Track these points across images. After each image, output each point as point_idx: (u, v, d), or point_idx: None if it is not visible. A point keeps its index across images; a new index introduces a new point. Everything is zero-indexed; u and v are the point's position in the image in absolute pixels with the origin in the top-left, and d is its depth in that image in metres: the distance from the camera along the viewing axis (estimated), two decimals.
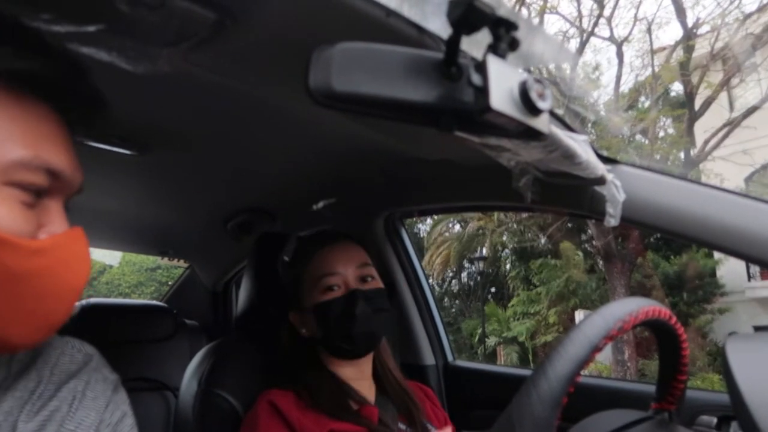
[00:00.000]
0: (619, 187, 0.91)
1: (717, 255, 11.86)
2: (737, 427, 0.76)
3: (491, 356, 14.13)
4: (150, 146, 1.16)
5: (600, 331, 0.64)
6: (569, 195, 1.01)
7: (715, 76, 10.67)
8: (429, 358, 1.51)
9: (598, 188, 0.96)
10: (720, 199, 0.85)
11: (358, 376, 1.09)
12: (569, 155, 0.83)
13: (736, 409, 0.56)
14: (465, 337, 15.02)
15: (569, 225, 12.99)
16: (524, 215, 13.48)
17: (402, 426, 1.06)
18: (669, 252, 12.92)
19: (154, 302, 2.40)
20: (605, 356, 11.20)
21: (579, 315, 11.78)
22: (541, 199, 1.00)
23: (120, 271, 18.30)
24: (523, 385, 0.62)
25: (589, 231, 12.39)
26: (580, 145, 0.83)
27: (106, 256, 2.33)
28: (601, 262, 12.49)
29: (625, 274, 10.95)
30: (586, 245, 13.87)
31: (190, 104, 0.95)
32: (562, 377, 0.60)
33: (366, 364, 1.11)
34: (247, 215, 1.66)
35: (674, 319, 0.73)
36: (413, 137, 1.07)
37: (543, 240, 14.19)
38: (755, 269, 11.46)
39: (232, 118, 1.02)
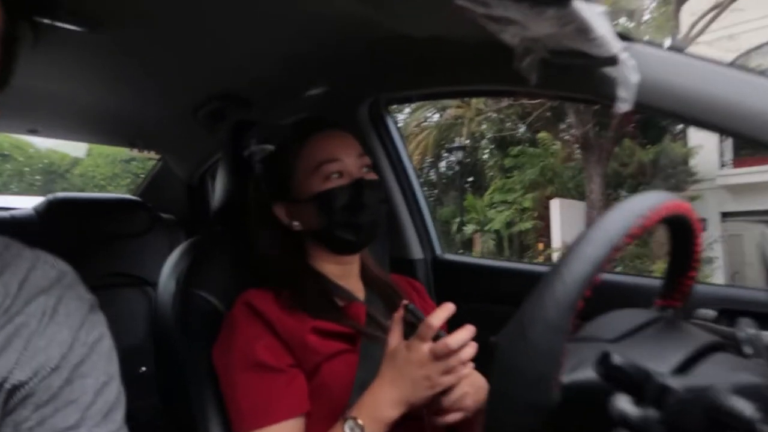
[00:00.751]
0: (633, 68, 0.82)
1: (691, 143, 12.01)
2: (749, 324, 0.72)
3: (467, 244, 14.52)
4: (102, 21, 1.02)
5: (620, 229, 0.58)
6: (576, 77, 0.92)
7: None
8: (417, 252, 1.47)
9: (607, 70, 0.87)
10: (746, 83, 0.77)
11: (345, 273, 1.05)
12: (584, 29, 0.73)
13: None
14: (441, 224, 15.32)
15: (548, 114, 12.89)
16: (504, 103, 13.30)
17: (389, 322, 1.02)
18: (645, 140, 13.00)
19: (127, 196, 2.31)
20: None
21: (554, 204, 11.99)
22: (544, 82, 0.90)
23: (93, 162, 17.93)
24: (536, 286, 0.57)
25: (569, 120, 12.33)
26: (596, 17, 0.73)
27: (71, 148, 2.19)
28: (578, 151, 12.57)
29: (601, 163, 11.07)
30: (564, 134, 13.86)
31: None
32: (579, 279, 0.55)
33: (354, 261, 1.06)
34: (219, 102, 1.54)
35: (693, 212, 0.67)
36: (402, 10, 0.95)
37: (522, 129, 14.13)
38: (728, 157, 11.62)
39: None
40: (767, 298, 0.98)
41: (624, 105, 0.83)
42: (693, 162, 11.97)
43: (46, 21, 1.05)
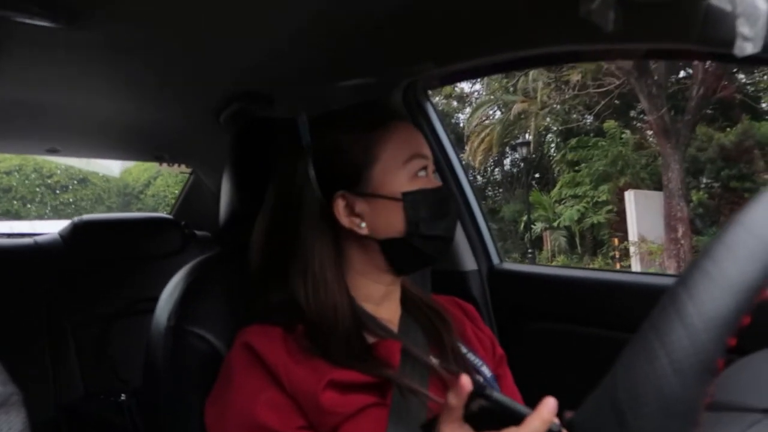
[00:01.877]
0: None
1: None
2: None
3: (537, 241, 14.02)
4: (78, 14, 0.87)
5: None
6: (667, 18, 0.67)
7: None
8: (470, 263, 1.23)
9: (715, 1, 0.62)
10: None
11: (386, 297, 0.84)
12: None
13: None
14: (508, 223, 14.90)
15: (617, 102, 12.26)
16: (568, 95, 12.75)
17: (434, 359, 0.80)
18: (725, 123, 12.08)
19: (158, 214, 2.21)
20: (658, 235, 10.87)
21: (629, 195, 11.32)
22: (625, 31, 0.66)
23: (164, 183, 18.64)
24: (635, 336, 0.34)
25: (639, 106, 11.65)
26: None
27: (103, 168, 2.12)
28: (650, 138, 11.85)
29: (679, 149, 10.35)
30: (636, 122, 13.14)
31: None
32: (716, 321, 0.32)
33: (398, 281, 0.86)
34: (241, 102, 1.38)
35: None
36: None
37: (590, 119, 13.52)
38: None
39: None
40: None
41: (749, 46, 0.57)
42: None
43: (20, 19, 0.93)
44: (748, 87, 10.46)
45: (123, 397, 1.49)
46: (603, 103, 11.78)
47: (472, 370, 0.81)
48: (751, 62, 0.62)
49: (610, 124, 12.40)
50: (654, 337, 0.33)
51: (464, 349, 0.85)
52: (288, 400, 0.68)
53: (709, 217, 11.06)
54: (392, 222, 0.78)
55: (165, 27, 0.99)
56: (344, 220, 0.79)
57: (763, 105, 11.85)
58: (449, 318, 0.86)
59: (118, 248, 1.79)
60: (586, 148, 12.62)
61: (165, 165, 1.89)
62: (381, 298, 0.83)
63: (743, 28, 0.57)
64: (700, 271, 0.33)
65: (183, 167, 1.99)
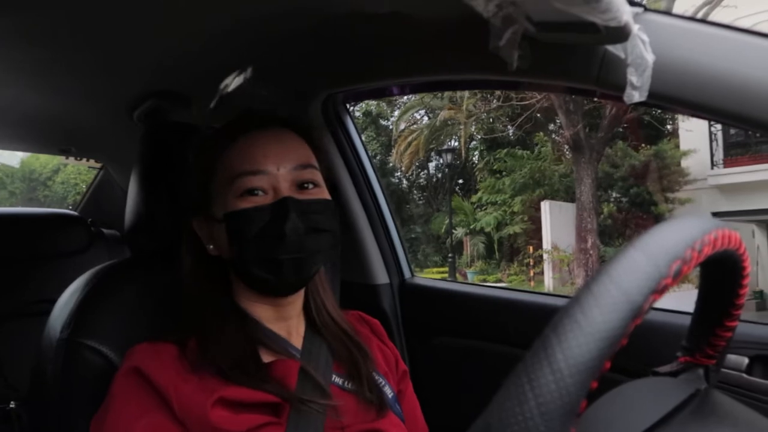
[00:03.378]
0: (647, 44, 0.61)
1: (684, 146, 11.94)
2: None
3: (458, 246, 14.38)
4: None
5: (645, 282, 0.37)
6: (570, 60, 0.71)
7: None
8: (382, 276, 1.25)
9: (612, 48, 0.66)
10: None
11: (281, 315, 0.81)
12: None
13: None
14: (433, 230, 15.20)
15: (538, 115, 12.76)
16: (493, 105, 13.16)
17: (338, 379, 0.79)
18: (634, 142, 12.89)
19: (62, 210, 2.08)
20: (569, 244, 11.42)
21: (544, 206, 11.83)
22: (529, 68, 0.69)
23: (75, 169, 17.57)
24: (508, 379, 0.35)
25: (558, 121, 12.20)
26: None
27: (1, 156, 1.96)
28: (567, 152, 12.44)
29: (592, 165, 10.92)
30: (555, 135, 13.75)
31: None
32: (581, 367, 0.34)
33: (294, 301, 0.82)
34: (156, 100, 1.33)
35: (744, 246, 0.46)
36: None
37: (512, 130, 14.01)
38: (719, 156, 11.55)
39: None
40: None
41: (635, 95, 0.62)
42: (685, 163, 11.88)
43: None
44: (655, 110, 11.21)
45: (12, 404, 1.39)
46: (525, 115, 12.23)
47: (377, 392, 0.80)
48: (641, 105, 0.67)
49: (541, 137, 12.93)
50: (525, 380, 0.35)
51: (377, 377, 0.83)
52: (173, 424, 0.66)
53: (616, 229, 11.77)
54: (223, 244, 0.77)
55: (76, 19, 0.95)
56: (205, 240, 0.80)
57: (668, 126, 12.74)
58: (366, 347, 0.85)
59: (18, 245, 1.67)
60: (515, 158, 13.09)
61: (72, 159, 1.79)
62: (274, 318, 0.81)
63: (632, 76, 0.62)
64: (570, 318, 0.35)
65: (92, 162, 1.89)
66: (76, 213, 1.98)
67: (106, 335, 0.78)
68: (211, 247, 0.79)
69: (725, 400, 0.51)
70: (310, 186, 0.78)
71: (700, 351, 0.57)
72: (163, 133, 0.98)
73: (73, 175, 17.79)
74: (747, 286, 0.51)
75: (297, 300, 0.83)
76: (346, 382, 0.79)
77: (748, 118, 0.60)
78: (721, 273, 0.49)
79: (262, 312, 0.80)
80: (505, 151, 13.29)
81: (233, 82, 1.14)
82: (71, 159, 1.80)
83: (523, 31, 0.66)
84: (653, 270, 0.36)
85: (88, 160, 1.84)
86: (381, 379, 0.83)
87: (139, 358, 0.70)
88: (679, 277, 0.38)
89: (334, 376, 0.79)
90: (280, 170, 0.76)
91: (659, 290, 0.36)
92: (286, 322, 0.82)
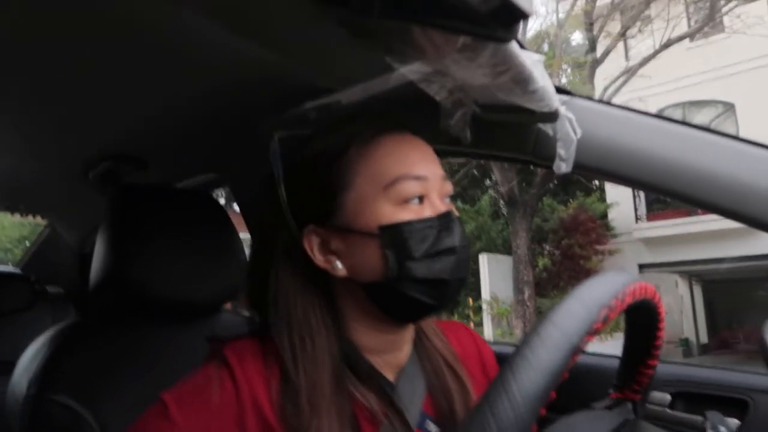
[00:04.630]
0: (573, 122, 0.72)
1: (609, 199, 12.64)
2: (717, 420, 0.61)
3: None
4: None
5: (580, 325, 0.45)
6: (510, 136, 0.82)
7: (614, 26, 11.05)
8: None
9: (545, 127, 0.78)
10: (701, 142, 0.69)
11: (393, 345, 0.70)
12: (522, 79, 0.62)
13: None
14: None
15: (474, 171, 13.25)
16: None
17: (431, 425, 0.69)
18: (566, 197, 13.56)
19: (4, 267, 2.03)
20: (508, 295, 11.69)
21: (482, 259, 12.14)
22: (474, 142, 0.79)
23: None
24: (474, 409, 0.42)
25: (494, 176, 12.70)
26: (535, 66, 0.62)
27: None
28: (504, 208, 12.91)
29: (526, 219, 11.37)
30: (490, 191, 14.26)
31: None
32: (532, 396, 0.41)
33: (407, 330, 0.71)
34: (112, 163, 1.34)
35: (658, 295, 0.56)
36: (313, 59, 0.83)
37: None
38: (642, 211, 12.28)
39: (65, 32, 0.74)
40: (723, 378, 0.88)
41: (563, 165, 0.73)
42: (611, 216, 12.55)
43: None
44: None
45: None
46: (462, 171, 12.68)
47: None
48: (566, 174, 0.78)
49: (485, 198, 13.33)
50: (488, 410, 0.42)
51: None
52: None
53: (550, 281, 12.17)
54: (370, 262, 0.64)
55: (29, 81, 0.94)
56: (318, 259, 0.66)
57: (596, 182, 13.49)
58: (468, 382, 0.73)
59: None
60: (459, 212, 13.44)
61: (17, 215, 1.76)
62: (384, 348, 0.69)
63: (561, 150, 0.72)
64: (522, 357, 0.43)
65: (38, 218, 1.86)
66: (18, 270, 1.93)
67: (74, 390, 0.79)
68: (340, 265, 0.65)
69: (650, 428, 0.60)
70: (448, 200, 0.69)
71: (628, 387, 0.66)
72: (134, 195, 1.02)
73: None
74: (663, 329, 0.61)
75: (412, 328, 0.73)
76: (437, 430, 0.69)
77: (655, 186, 0.72)
78: (641, 318, 0.59)
79: (374, 341, 0.68)
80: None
81: None
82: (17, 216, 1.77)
83: (469, 112, 0.76)
84: (587, 316, 0.45)
85: (35, 217, 1.81)
86: None
87: (230, 358, 0.63)
88: (607, 322, 0.47)
89: (427, 421, 0.69)
90: (435, 176, 0.67)
91: (592, 332, 0.45)
92: (396, 353, 0.71)
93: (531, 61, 0.61)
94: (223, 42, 0.85)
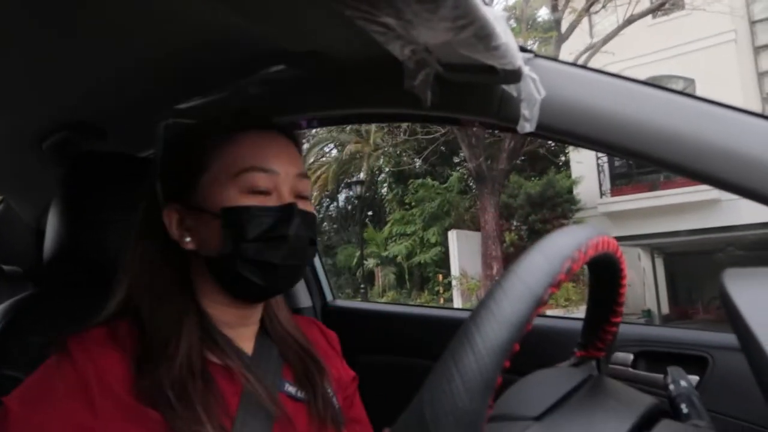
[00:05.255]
0: (537, 83, 0.72)
1: (574, 175, 12.84)
2: (680, 374, 0.62)
3: (370, 277, 14.47)
4: None
5: (543, 277, 0.45)
6: (473, 97, 0.81)
7: (579, 2, 11.12)
8: (304, 300, 1.29)
9: (507, 88, 0.77)
10: (667, 103, 0.69)
11: (241, 320, 0.78)
12: (485, 35, 0.61)
13: (746, 346, 0.42)
14: (342, 261, 15.21)
15: (442, 148, 13.29)
16: (400, 138, 13.55)
17: (290, 387, 0.77)
18: (532, 173, 13.73)
19: None
20: (477, 271, 11.85)
21: (452, 235, 12.24)
22: (438, 104, 0.78)
23: None
24: (437, 362, 0.42)
25: (462, 154, 12.76)
26: (498, 22, 0.61)
27: None
28: (472, 184, 13.02)
29: (494, 195, 11.48)
30: (458, 168, 14.34)
31: None
32: (496, 349, 0.41)
33: (260, 307, 0.80)
34: (69, 132, 1.29)
35: (620, 251, 0.56)
36: (277, 20, 0.80)
37: (419, 163, 14.44)
38: (606, 186, 12.53)
39: None
40: (683, 336, 0.90)
41: (527, 126, 0.72)
42: (576, 191, 12.76)
43: None
44: (550, 143, 12.02)
45: None
46: (430, 148, 12.70)
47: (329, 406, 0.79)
48: (534, 137, 0.78)
49: (456, 176, 13.40)
50: (452, 363, 0.41)
51: (329, 391, 0.81)
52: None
53: (518, 255, 12.34)
54: (211, 239, 0.72)
55: None
56: (173, 233, 0.75)
57: (561, 158, 13.68)
58: (321, 359, 0.83)
59: None
60: (427, 188, 13.46)
61: None
62: (235, 322, 0.77)
63: (525, 110, 0.72)
64: (485, 309, 0.43)
65: None
66: None
67: (25, 364, 0.76)
68: (188, 239, 0.74)
69: (613, 382, 0.60)
70: (305, 198, 0.77)
71: (592, 345, 0.67)
72: (90, 164, 0.98)
73: None
74: (626, 286, 0.61)
75: (260, 307, 0.81)
76: (298, 392, 0.78)
77: (621, 147, 0.72)
78: (604, 274, 0.59)
79: (223, 315, 0.76)
80: (419, 181, 13.66)
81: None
82: None
83: (432, 71, 0.75)
84: (549, 267, 0.45)
85: None
86: (330, 391, 0.82)
87: (71, 347, 0.67)
88: (570, 273, 0.46)
89: (286, 384, 0.77)
90: (288, 174, 0.75)
91: (555, 284, 0.45)
92: (245, 328, 0.79)
93: (494, 16, 0.59)
94: (186, 3, 0.82)
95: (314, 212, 0.78)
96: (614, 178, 12.43)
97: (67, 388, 0.64)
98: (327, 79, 0.96)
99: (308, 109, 1.05)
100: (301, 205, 0.75)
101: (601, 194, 12.52)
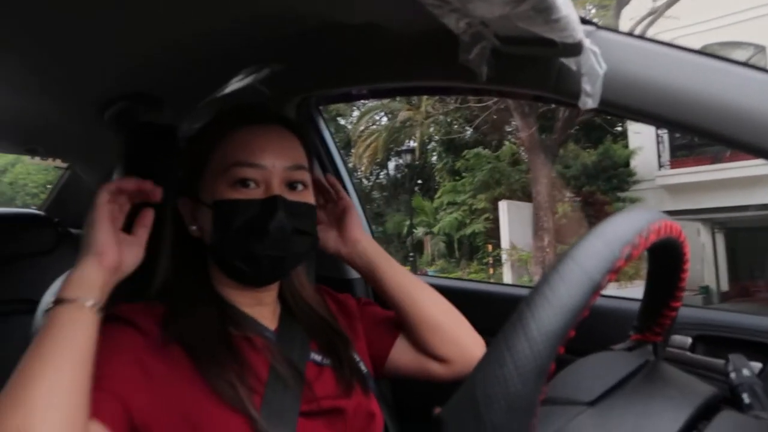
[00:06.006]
0: (599, 56, 0.68)
1: (632, 145, 12.37)
2: (741, 362, 0.60)
3: (418, 246, 14.49)
4: None
5: (602, 263, 0.43)
6: (531, 71, 0.78)
7: None
8: (354, 271, 1.30)
9: (568, 61, 0.74)
10: (739, 78, 0.65)
11: (256, 300, 0.84)
12: (544, 7, 0.59)
13: None
14: (390, 229, 15.28)
15: (494, 117, 13.02)
16: (451, 107, 13.35)
17: (316, 356, 0.83)
18: (588, 143, 13.30)
19: (28, 210, 2.05)
20: (527, 243, 11.68)
21: (502, 205, 12.08)
22: (495, 77, 0.76)
23: (24, 170, 16.95)
24: (490, 346, 0.42)
25: (514, 123, 12.47)
26: None
27: None
28: (523, 153, 12.74)
29: (547, 165, 11.21)
30: (510, 137, 14.04)
31: None
32: (550, 335, 0.40)
33: (271, 288, 0.85)
34: (128, 102, 1.33)
35: (684, 235, 0.54)
36: None
37: (469, 132, 14.22)
38: (666, 158, 12.02)
39: None
40: (745, 321, 0.86)
41: (589, 101, 0.69)
42: (633, 163, 12.31)
43: None
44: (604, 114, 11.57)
45: None
46: (482, 117, 12.47)
47: (356, 372, 0.84)
48: (593, 111, 0.75)
49: (508, 146, 13.16)
50: (504, 347, 0.41)
51: (355, 357, 0.86)
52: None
53: (570, 228, 12.12)
54: (207, 229, 0.80)
55: (39, 19, 0.93)
56: (187, 221, 0.83)
57: (618, 128, 13.19)
58: (344, 332, 0.88)
59: None
60: (479, 157, 13.28)
61: (37, 158, 1.77)
62: (249, 303, 0.83)
63: (586, 85, 0.69)
64: (540, 295, 0.42)
65: (58, 161, 1.87)
66: (42, 213, 1.96)
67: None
68: (194, 228, 0.82)
69: (670, 369, 0.59)
70: (300, 187, 0.81)
71: (649, 329, 0.65)
72: (147, 135, 1.01)
73: (22, 175, 17.15)
74: (688, 270, 0.59)
75: (273, 288, 0.86)
76: (324, 359, 0.83)
77: (685, 124, 0.68)
78: (665, 258, 0.57)
79: (237, 297, 0.82)
80: (474, 151, 13.46)
81: (240, 81, 1.16)
82: (36, 159, 1.78)
83: (489, 46, 0.73)
84: (609, 253, 0.43)
85: (54, 160, 1.82)
86: (356, 357, 0.87)
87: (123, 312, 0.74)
88: (630, 259, 0.45)
89: (312, 354, 0.83)
90: (275, 167, 0.79)
91: (614, 270, 0.43)
92: (261, 307, 0.84)
93: None
94: None
95: (311, 201, 0.83)
96: (674, 149, 11.90)
97: (125, 340, 0.71)
98: (381, 51, 0.95)
99: (361, 81, 1.04)
100: (294, 196, 0.79)
101: (660, 166, 12.03)
